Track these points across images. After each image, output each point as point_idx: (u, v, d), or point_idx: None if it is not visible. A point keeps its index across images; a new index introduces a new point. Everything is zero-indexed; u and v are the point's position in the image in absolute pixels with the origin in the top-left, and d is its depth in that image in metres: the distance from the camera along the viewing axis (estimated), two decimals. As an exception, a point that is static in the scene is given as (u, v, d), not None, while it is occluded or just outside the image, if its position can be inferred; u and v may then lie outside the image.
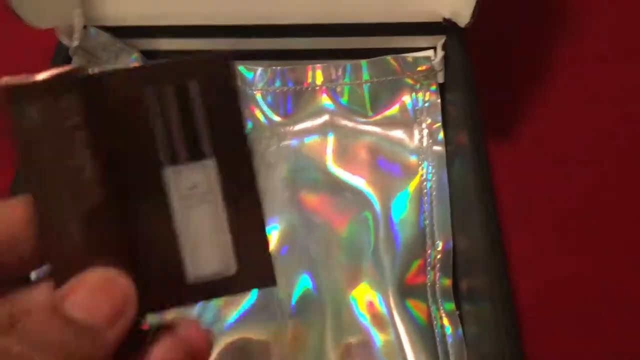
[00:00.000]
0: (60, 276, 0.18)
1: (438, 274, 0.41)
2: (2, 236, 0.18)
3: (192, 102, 0.20)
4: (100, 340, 0.17)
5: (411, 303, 0.40)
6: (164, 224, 0.21)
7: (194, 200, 0.21)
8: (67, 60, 0.44)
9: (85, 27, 0.44)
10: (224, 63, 0.20)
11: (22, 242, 0.18)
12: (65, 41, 0.43)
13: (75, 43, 0.43)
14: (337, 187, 0.45)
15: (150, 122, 0.20)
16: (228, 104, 0.20)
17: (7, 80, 0.18)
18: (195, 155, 0.20)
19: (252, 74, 0.48)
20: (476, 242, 0.38)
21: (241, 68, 0.48)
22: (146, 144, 0.20)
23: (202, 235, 0.21)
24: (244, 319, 0.40)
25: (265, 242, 0.21)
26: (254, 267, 0.21)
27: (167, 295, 0.21)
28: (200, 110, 0.20)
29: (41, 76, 0.18)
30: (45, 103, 0.18)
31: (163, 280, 0.21)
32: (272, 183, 0.45)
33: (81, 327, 0.17)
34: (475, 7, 0.38)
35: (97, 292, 0.18)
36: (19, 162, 0.18)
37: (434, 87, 0.46)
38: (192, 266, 0.21)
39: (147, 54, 0.48)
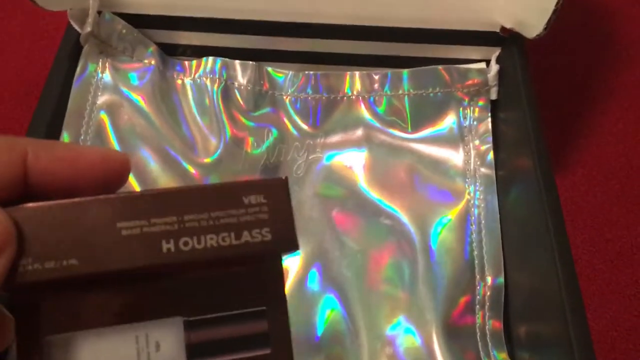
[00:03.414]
0: None
1: (487, 314, 0.37)
2: None
3: None
4: None
5: (458, 348, 0.36)
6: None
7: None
8: (77, 47, 0.38)
9: (99, 12, 0.39)
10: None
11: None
12: (76, 26, 0.38)
13: (88, 29, 0.38)
14: (372, 211, 0.40)
15: None
16: None
17: None
18: None
19: (282, 78, 0.43)
20: (543, 281, 0.33)
21: (270, 71, 0.43)
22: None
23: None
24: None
25: None
26: None
27: None
28: None
29: None
30: None
31: None
32: (301, 198, 0.40)
33: None
34: (550, 17, 0.34)
35: None
36: None
37: (482, 103, 0.42)
38: None
39: (165, 48, 0.42)
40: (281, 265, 0.19)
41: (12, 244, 0.17)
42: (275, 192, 0.19)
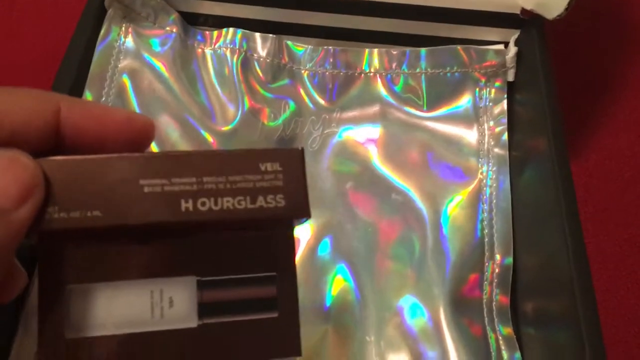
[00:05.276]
0: None
1: (495, 290, 0.37)
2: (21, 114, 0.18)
3: None
4: (9, 221, 0.16)
5: (465, 321, 0.36)
6: None
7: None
8: (102, 11, 0.39)
9: (124, -23, 0.39)
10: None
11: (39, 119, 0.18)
12: (101, -10, 0.38)
13: (113, -7, 0.38)
14: (384, 187, 0.40)
15: None
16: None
17: None
18: None
19: (301, 52, 0.43)
20: (552, 261, 0.33)
21: (290, 44, 0.43)
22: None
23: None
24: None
25: None
26: None
27: None
28: None
29: None
30: None
31: None
32: (315, 171, 0.40)
33: None
34: (573, -3, 0.34)
35: (2, 173, 0.17)
36: None
37: (499, 84, 0.42)
38: None
39: (186, 16, 0.43)
40: (293, 234, 0.20)
41: (40, 189, 0.17)
42: (291, 161, 0.19)
